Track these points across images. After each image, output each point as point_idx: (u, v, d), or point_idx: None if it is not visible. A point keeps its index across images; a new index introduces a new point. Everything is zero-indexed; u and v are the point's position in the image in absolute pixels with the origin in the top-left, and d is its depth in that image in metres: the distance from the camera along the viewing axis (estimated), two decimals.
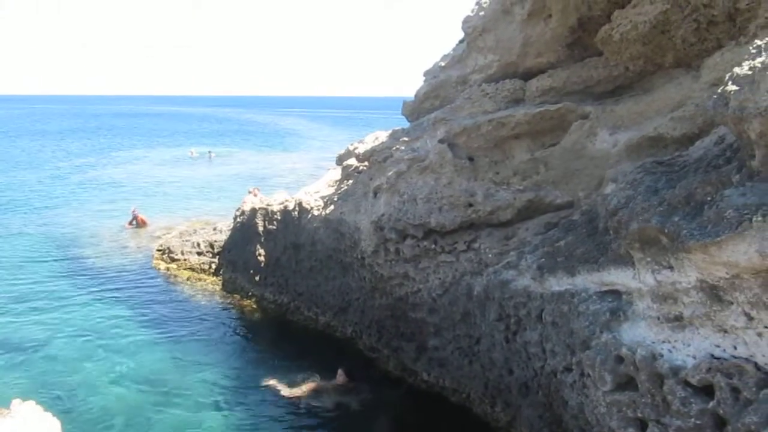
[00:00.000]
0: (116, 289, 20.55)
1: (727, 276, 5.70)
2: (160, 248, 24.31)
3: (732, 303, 5.79)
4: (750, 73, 5.57)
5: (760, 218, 5.18)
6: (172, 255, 23.38)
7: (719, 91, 5.97)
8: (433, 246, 12.65)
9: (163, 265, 23.08)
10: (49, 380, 13.81)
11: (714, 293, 5.98)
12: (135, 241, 27.05)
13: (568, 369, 8.77)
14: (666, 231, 6.27)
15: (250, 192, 23.80)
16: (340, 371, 13.70)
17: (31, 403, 8.06)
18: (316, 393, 13.36)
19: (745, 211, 5.37)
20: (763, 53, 5.60)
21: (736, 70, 5.77)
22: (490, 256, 11.68)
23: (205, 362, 14.89)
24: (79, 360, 14.93)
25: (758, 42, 5.86)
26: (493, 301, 10.90)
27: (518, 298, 10.16)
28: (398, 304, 13.70)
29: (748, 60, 5.71)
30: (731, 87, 5.72)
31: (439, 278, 12.63)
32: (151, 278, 21.80)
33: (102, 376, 14.07)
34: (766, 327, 5.51)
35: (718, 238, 5.51)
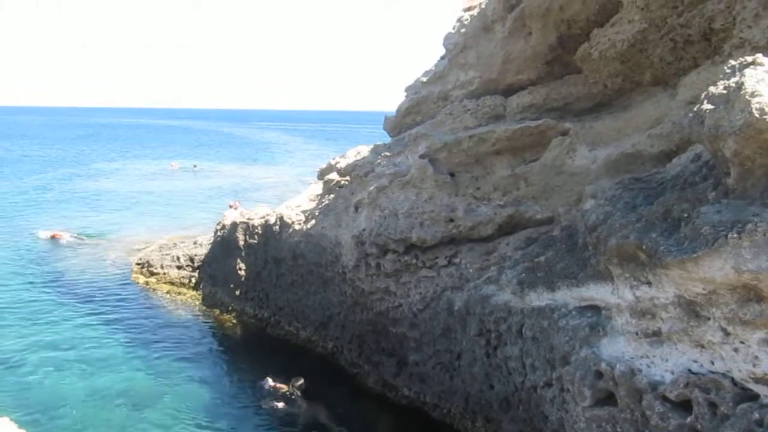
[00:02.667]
0: (94, 303, 20.29)
1: (704, 292, 5.78)
2: (140, 262, 24.06)
3: (709, 318, 5.87)
4: (725, 92, 5.68)
5: (735, 235, 5.27)
6: (151, 269, 23.14)
7: (695, 109, 6.08)
8: (414, 261, 12.67)
9: (142, 279, 22.85)
10: (24, 397, 13.56)
11: (691, 309, 6.05)
12: (114, 254, 26.75)
13: (548, 384, 8.80)
14: (644, 247, 6.34)
15: (231, 206, 23.66)
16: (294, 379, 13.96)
17: (5, 420, 7.92)
18: (294, 408, 13.27)
19: (721, 228, 5.46)
20: (737, 73, 5.72)
21: (711, 89, 5.88)
22: (470, 271, 11.71)
23: (183, 377, 14.73)
24: (55, 376, 14.69)
25: (732, 62, 5.99)
26: (474, 316, 10.93)
27: (499, 313, 10.19)
28: (379, 319, 13.68)
29: (723, 80, 5.83)
30: (706, 106, 5.83)
31: (420, 293, 12.64)
32: (130, 292, 21.55)
33: (79, 392, 13.85)
34: (742, 342, 5.59)
35: (695, 255, 5.59)
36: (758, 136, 5.29)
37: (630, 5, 9.16)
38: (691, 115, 6.19)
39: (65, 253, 27.11)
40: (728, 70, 5.91)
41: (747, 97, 5.36)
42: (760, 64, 5.71)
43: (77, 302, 20.34)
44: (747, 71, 5.63)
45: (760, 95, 5.31)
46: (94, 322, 18.51)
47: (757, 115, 5.23)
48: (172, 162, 66.59)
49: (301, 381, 13.89)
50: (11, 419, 8.24)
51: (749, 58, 5.85)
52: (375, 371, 14.02)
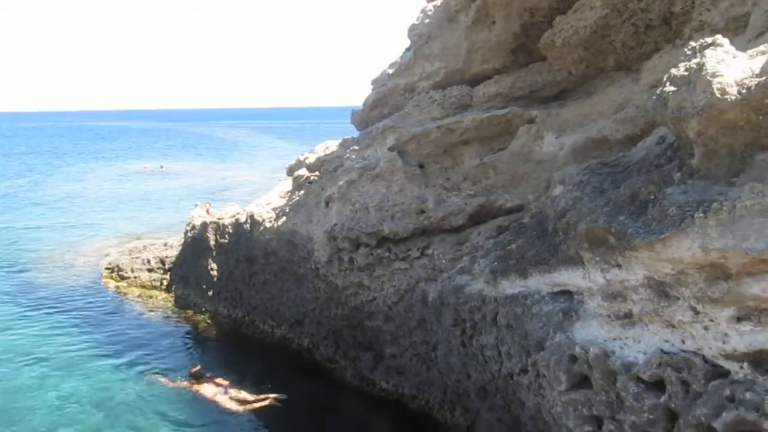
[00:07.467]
0: (64, 309, 19.90)
1: (673, 272, 5.84)
2: (109, 266, 23.71)
3: (678, 298, 5.93)
4: (686, 74, 5.73)
5: (701, 214, 5.32)
6: (121, 273, 22.82)
7: (658, 92, 6.13)
8: (387, 254, 12.65)
9: (112, 284, 22.50)
10: None
11: (661, 289, 6.11)
12: (82, 259, 26.31)
13: (524, 371, 8.85)
14: (613, 230, 6.39)
15: (196, 206, 23.25)
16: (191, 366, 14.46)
17: None
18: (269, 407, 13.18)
19: (687, 208, 5.51)
20: (698, 54, 5.77)
21: (673, 71, 5.93)
22: (443, 261, 11.73)
23: (158, 381, 14.53)
24: (26, 384, 14.40)
25: (693, 44, 6.04)
26: (449, 307, 10.95)
27: (473, 303, 10.22)
28: (354, 314, 13.65)
29: (684, 61, 5.88)
30: (669, 88, 5.87)
31: (394, 286, 12.63)
32: (101, 297, 21.19)
33: (52, 400, 13.58)
34: (711, 320, 5.66)
35: (663, 236, 5.64)
36: (720, 116, 5.35)
37: None
38: (654, 97, 6.24)
39: (32, 258, 26.57)
40: (689, 52, 5.96)
41: (708, 77, 5.41)
42: (720, 45, 5.76)
43: (46, 309, 19.91)
44: (707, 52, 5.68)
45: (721, 75, 5.36)
46: (65, 329, 18.15)
47: (718, 95, 5.28)
48: (145, 164, 65.73)
49: (198, 367, 14.26)
50: None
51: (709, 40, 5.90)
52: (352, 366, 13.99)
